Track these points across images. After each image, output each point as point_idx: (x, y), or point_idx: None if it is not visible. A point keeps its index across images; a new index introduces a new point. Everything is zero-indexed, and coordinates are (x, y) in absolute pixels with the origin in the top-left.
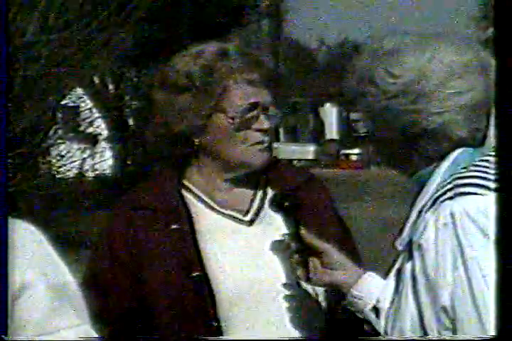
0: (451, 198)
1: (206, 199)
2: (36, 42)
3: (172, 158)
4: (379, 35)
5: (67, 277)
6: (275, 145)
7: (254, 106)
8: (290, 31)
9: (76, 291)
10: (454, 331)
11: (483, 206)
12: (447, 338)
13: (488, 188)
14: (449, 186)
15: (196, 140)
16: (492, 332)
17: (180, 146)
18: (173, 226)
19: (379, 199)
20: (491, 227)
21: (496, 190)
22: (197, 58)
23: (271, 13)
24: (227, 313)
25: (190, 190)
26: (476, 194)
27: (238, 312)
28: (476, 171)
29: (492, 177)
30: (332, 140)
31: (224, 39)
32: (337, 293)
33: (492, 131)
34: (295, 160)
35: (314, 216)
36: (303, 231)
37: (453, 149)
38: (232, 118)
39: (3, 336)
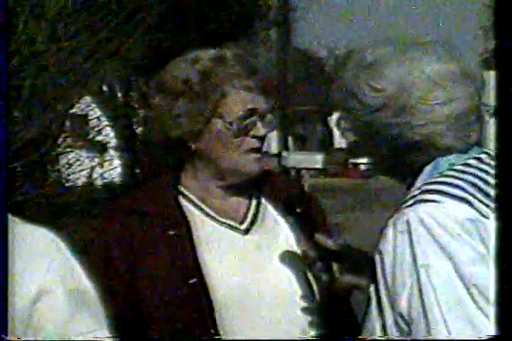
0: (410, 205)
1: (203, 206)
2: (45, 51)
3: (167, 163)
4: (362, 47)
5: (84, 282)
6: (284, 154)
7: (252, 112)
8: (299, 40)
9: (93, 296)
10: (409, 335)
11: (439, 214)
12: (447, 338)
13: (449, 195)
14: (416, 192)
15: (193, 145)
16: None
17: (176, 152)
18: (171, 232)
19: (388, 209)
20: (446, 236)
21: (495, 196)
22: (194, 64)
23: (279, 22)
24: (225, 321)
25: (186, 197)
26: (434, 201)
27: (235, 320)
28: (448, 176)
29: (462, 183)
30: (340, 149)
31: (221, 46)
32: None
33: (491, 135)
34: (303, 169)
35: (315, 225)
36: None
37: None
38: (231, 124)
39: (3, 336)
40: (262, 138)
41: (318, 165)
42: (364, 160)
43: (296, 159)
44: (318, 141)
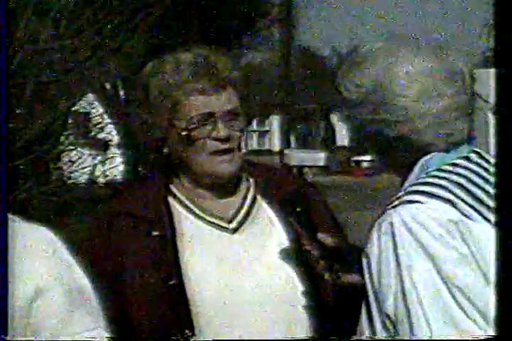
0: (395, 207)
1: (191, 206)
2: (48, 49)
3: (158, 163)
4: (358, 44)
5: (82, 281)
6: (286, 151)
7: (207, 116)
8: (301, 38)
9: (91, 295)
10: (396, 336)
11: (421, 215)
12: (446, 338)
13: (433, 196)
14: (401, 193)
15: (164, 150)
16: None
17: (153, 155)
18: (155, 233)
19: None
20: (428, 237)
21: (496, 193)
22: (154, 72)
23: (282, 20)
24: (204, 323)
25: (175, 196)
26: (418, 202)
27: (216, 321)
28: (433, 177)
29: (447, 183)
30: (343, 147)
31: (184, 49)
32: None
33: (491, 135)
34: (306, 166)
35: (318, 223)
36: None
37: (423, 154)
38: (183, 130)
39: (3, 336)
40: (225, 139)
41: (321, 163)
42: (366, 158)
43: (298, 157)
44: (321, 139)
